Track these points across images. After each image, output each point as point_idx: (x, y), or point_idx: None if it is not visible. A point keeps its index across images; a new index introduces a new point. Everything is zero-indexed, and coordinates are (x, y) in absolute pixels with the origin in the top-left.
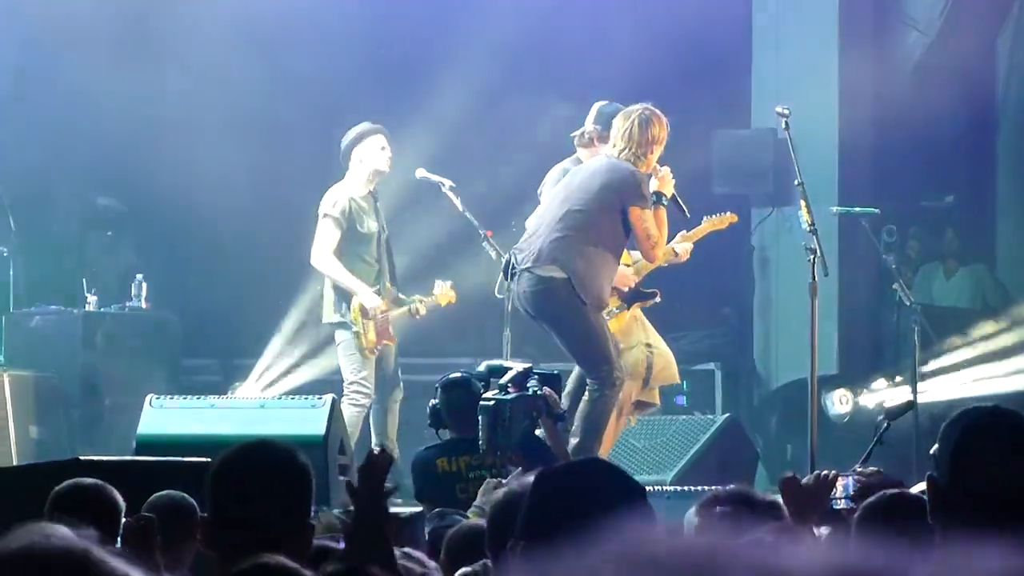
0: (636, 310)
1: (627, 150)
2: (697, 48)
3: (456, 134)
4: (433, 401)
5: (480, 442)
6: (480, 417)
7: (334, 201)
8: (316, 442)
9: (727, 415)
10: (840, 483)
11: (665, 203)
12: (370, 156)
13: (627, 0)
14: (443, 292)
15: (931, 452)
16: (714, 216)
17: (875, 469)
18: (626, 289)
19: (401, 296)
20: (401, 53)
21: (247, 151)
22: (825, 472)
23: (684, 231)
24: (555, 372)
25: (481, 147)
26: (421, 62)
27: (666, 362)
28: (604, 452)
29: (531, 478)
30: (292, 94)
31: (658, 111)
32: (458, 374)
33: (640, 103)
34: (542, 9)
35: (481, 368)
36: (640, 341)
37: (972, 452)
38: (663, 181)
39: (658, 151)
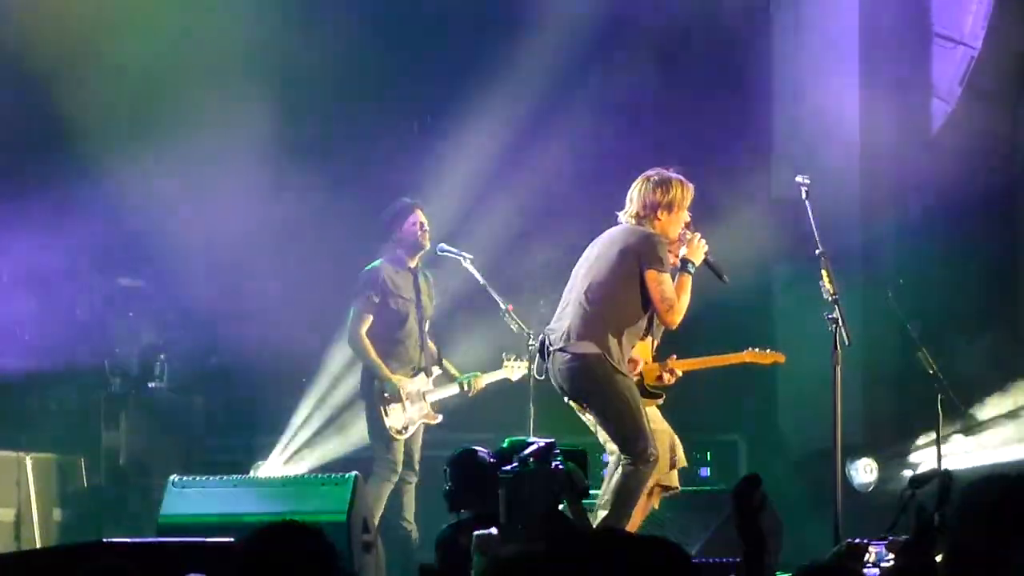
0: None
1: (636, 213)
2: (718, 116)
3: (474, 207)
4: (446, 485)
5: (500, 516)
6: (500, 491)
7: (367, 279)
8: (339, 520)
9: None
10: (873, 550)
11: (692, 270)
12: (407, 232)
13: (648, 65)
14: (510, 365)
15: (949, 518)
16: (758, 349)
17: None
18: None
19: (455, 373)
20: (425, 124)
21: (269, 227)
22: (856, 540)
23: (713, 354)
24: (580, 448)
25: (500, 219)
26: (442, 133)
27: (679, 445)
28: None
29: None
30: (311, 164)
31: (673, 174)
32: (462, 448)
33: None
34: (565, 88)
35: (504, 444)
36: (660, 426)
37: (1013, 519)
38: (692, 247)
39: (679, 214)
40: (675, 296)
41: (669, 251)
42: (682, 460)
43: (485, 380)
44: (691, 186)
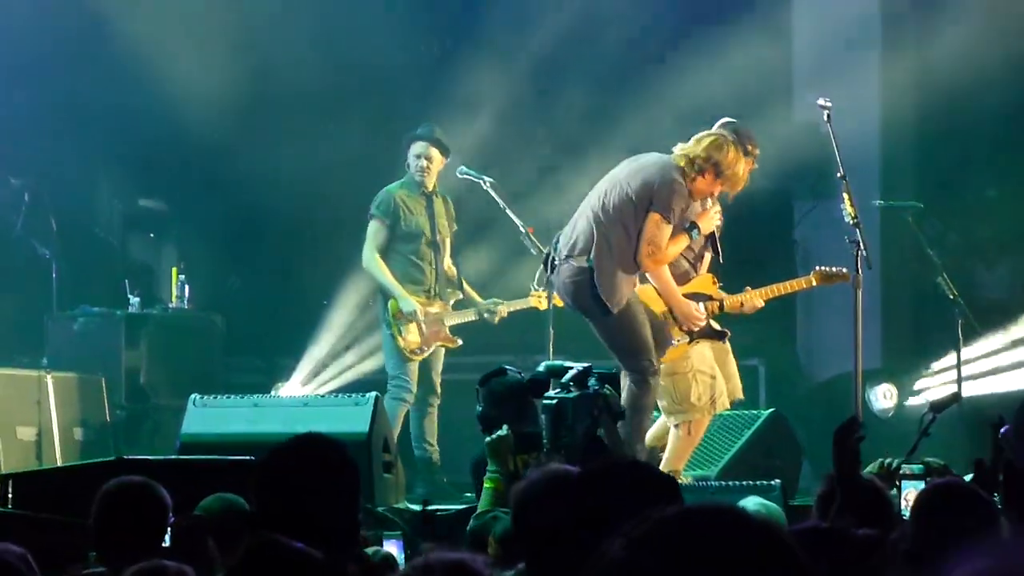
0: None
1: (689, 155)
2: (738, 40)
3: (496, 129)
4: (478, 408)
5: (544, 441)
6: (543, 416)
7: (379, 201)
8: (360, 439)
9: (771, 410)
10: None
11: (694, 236)
12: (410, 163)
13: None
14: (537, 294)
15: (1002, 433)
16: (824, 268)
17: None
18: (696, 328)
19: (477, 299)
20: (443, 49)
21: (292, 148)
22: (889, 460)
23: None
24: (614, 370)
25: (520, 142)
26: (462, 58)
27: (724, 388)
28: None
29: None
30: (336, 89)
31: (747, 155)
32: (494, 368)
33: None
34: (583, 14)
35: (541, 368)
36: (696, 369)
37: None
38: (705, 215)
39: (719, 186)
40: (663, 246)
41: (683, 208)
42: (721, 405)
43: (508, 308)
44: (748, 178)
